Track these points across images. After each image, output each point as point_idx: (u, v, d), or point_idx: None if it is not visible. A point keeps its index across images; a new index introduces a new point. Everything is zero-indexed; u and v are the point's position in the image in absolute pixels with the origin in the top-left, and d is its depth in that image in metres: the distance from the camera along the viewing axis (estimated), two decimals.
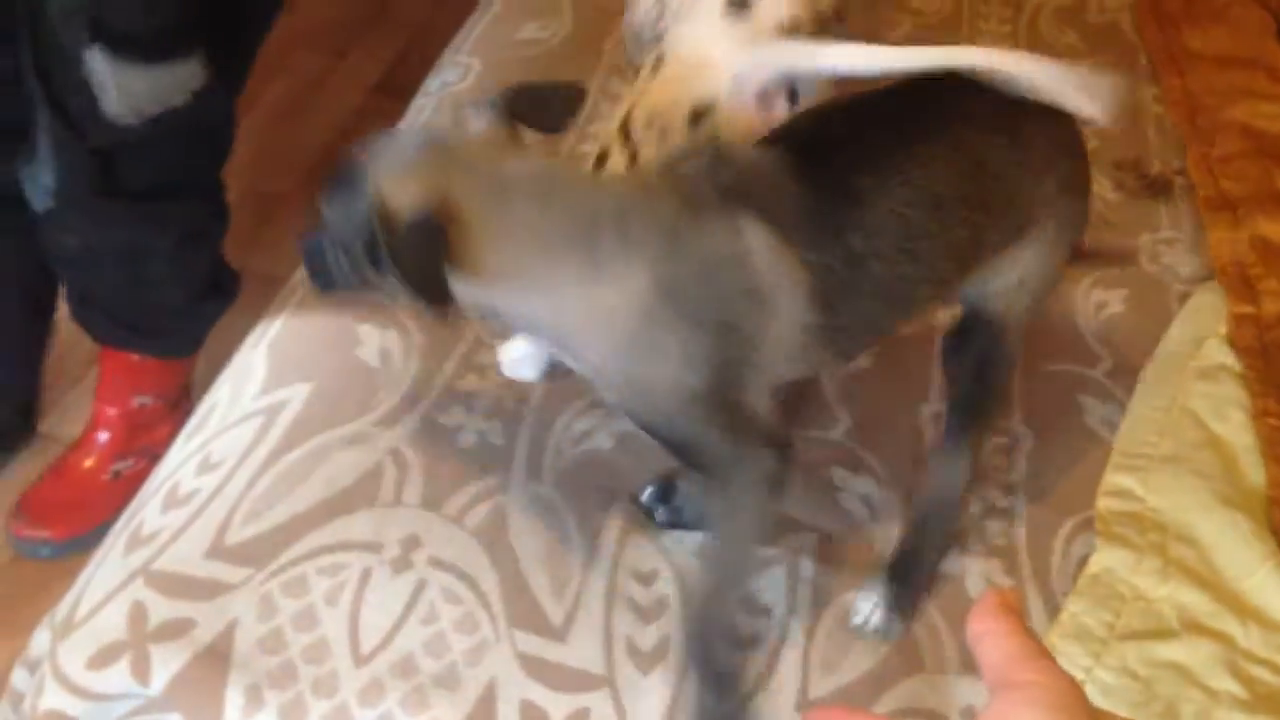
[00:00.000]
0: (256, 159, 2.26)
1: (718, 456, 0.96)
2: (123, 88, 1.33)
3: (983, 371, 1.14)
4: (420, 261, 0.79)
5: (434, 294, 0.80)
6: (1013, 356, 1.16)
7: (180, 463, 1.17)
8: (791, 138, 1.01)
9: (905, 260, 0.96)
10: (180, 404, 1.78)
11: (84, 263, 1.55)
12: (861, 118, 1.01)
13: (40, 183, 1.44)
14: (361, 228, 0.80)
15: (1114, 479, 1.29)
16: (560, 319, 0.90)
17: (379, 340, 1.28)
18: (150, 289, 1.59)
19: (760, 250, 0.89)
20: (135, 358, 1.69)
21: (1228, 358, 1.43)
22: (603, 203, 0.89)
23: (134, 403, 1.73)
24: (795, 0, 1.18)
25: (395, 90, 2.37)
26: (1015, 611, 0.55)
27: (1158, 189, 1.70)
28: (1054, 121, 1.05)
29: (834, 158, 0.97)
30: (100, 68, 1.31)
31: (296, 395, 1.20)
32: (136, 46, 1.32)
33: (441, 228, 0.79)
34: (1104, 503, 1.27)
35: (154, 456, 1.74)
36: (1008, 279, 1.08)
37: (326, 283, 0.91)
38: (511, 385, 1.29)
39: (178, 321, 1.68)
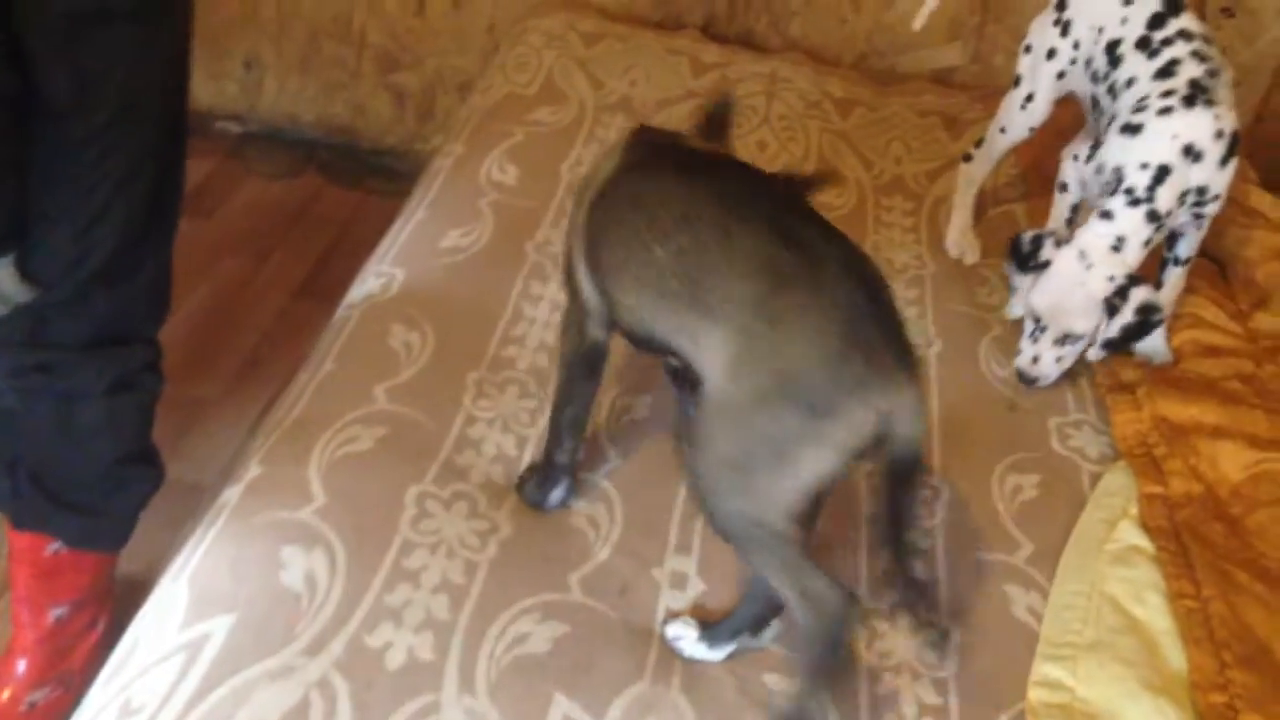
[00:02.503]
0: (180, 365, 2.23)
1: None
2: None
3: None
4: None
5: None
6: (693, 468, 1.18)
7: (100, 708, 1.13)
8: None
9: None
10: (98, 620, 1.74)
11: (12, 413, 1.53)
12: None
13: None
14: None
15: (1043, 669, 1.31)
16: None
17: (304, 562, 1.27)
18: (80, 444, 1.57)
19: None
20: (49, 553, 1.64)
21: (1141, 539, 1.47)
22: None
23: (50, 617, 1.68)
24: None
25: (319, 293, 2.41)
26: None
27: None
28: (780, 256, 1.13)
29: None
30: None
31: (219, 628, 1.18)
32: None
33: None
34: (1034, 694, 1.29)
35: (69, 684, 1.70)
36: (698, 353, 1.18)
37: None
38: (446, 588, 1.29)
39: (103, 493, 1.65)
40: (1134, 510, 1.52)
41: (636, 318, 1.26)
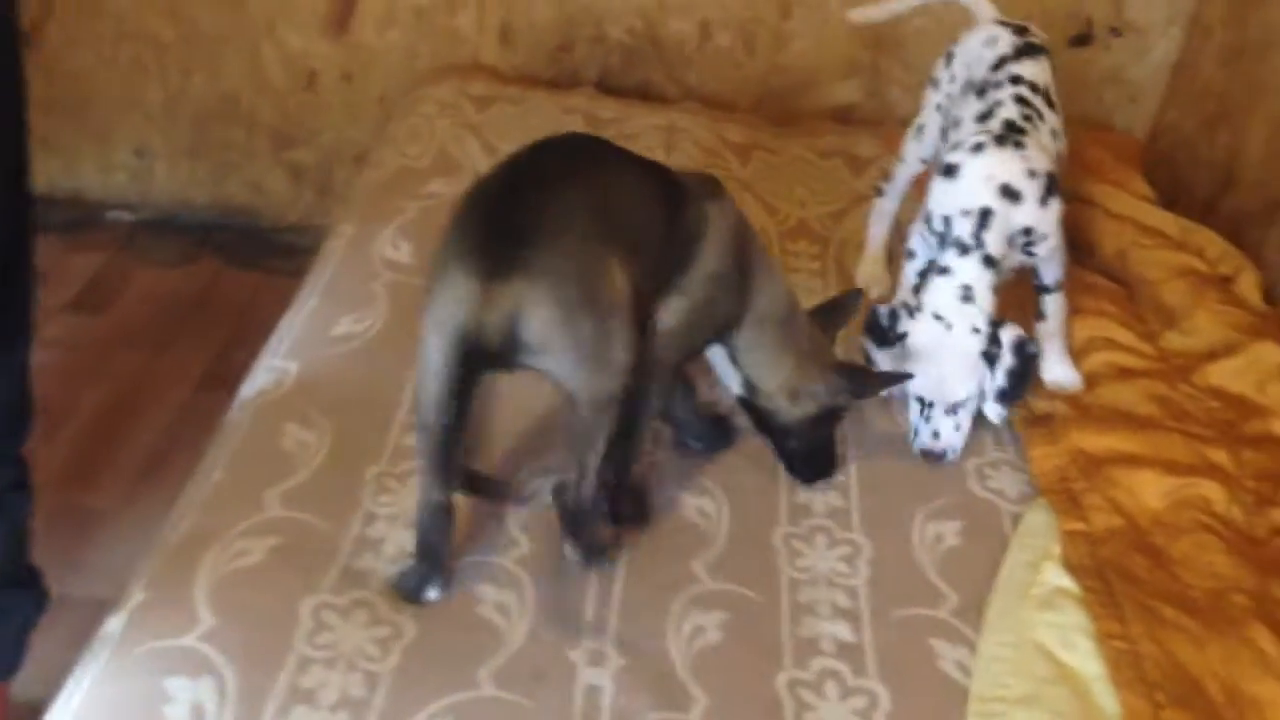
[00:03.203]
0: (75, 471, 2.16)
1: None
2: None
3: None
4: None
5: None
6: None
7: None
8: None
9: None
10: None
11: None
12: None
13: None
14: None
15: None
16: None
17: (190, 693, 1.20)
18: None
19: None
20: None
21: (1065, 580, 1.44)
22: None
23: None
24: None
25: (223, 382, 2.30)
26: None
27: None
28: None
29: None
30: None
31: None
32: None
33: None
34: None
35: None
36: None
37: None
38: (346, 704, 1.21)
39: None
40: (1057, 550, 1.49)
41: None
